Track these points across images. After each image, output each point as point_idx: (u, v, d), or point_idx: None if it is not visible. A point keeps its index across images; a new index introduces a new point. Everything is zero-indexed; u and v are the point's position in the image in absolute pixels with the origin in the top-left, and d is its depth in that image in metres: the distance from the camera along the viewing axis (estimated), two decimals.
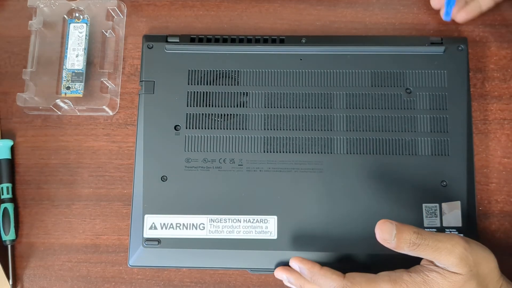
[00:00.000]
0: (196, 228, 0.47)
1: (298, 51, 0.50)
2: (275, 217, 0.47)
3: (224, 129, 0.49)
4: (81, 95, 0.51)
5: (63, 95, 0.51)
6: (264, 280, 0.48)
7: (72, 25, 0.53)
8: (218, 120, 0.49)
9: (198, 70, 0.50)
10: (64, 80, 0.51)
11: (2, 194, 0.50)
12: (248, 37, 0.51)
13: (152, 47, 0.51)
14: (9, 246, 0.49)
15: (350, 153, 0.48)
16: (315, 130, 0.48)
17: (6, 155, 0.51)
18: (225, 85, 0.50)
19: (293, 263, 0.43)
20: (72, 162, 0.51)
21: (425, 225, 0.46)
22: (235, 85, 0.50)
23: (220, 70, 0.50)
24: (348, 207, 0.47)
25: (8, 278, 0.49)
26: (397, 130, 0.48)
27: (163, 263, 0.47)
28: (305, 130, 0.48)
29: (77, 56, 0.52)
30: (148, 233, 0.47)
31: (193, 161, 0.48)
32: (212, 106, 0.49)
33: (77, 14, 0.53)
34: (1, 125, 0.52)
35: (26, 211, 0.51)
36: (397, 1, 0.54)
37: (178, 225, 0.47)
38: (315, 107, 0.49)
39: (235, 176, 0.48)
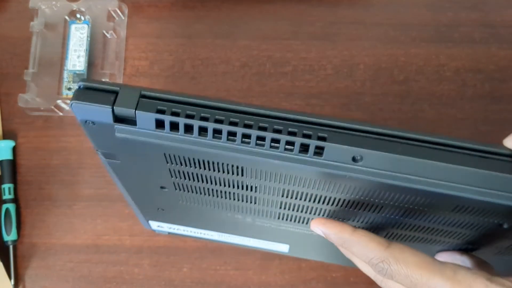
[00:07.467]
0: (204, 235, 0.46)
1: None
2: (288, 245, 0.45)
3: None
4: None
5: (64, 96, 0.51)
6: (264, 281, 0.49)
7: (73, 26, 0.53)
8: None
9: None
10: (66, 81, 0.51)
11: (4, 195, 0.50)
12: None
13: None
14: (10, 246, 0.49)
15: None
16: None
17: (8, 155, 0.51)
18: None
19: (315, 227, 0.32)
20: (74, 162, 0.51)
21: None
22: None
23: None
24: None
25: (10, 278, 0.49)
26: None
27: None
28: None
29: (78, 57, 0.52)
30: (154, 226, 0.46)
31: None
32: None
33: (78, 15, 0.54)
34: (3, 126, 0.53)
35: (28, 211, 0.51)
36: (397, 2, 0.54)
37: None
38: None
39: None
